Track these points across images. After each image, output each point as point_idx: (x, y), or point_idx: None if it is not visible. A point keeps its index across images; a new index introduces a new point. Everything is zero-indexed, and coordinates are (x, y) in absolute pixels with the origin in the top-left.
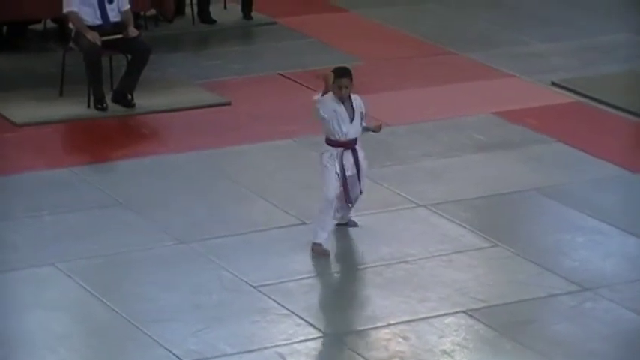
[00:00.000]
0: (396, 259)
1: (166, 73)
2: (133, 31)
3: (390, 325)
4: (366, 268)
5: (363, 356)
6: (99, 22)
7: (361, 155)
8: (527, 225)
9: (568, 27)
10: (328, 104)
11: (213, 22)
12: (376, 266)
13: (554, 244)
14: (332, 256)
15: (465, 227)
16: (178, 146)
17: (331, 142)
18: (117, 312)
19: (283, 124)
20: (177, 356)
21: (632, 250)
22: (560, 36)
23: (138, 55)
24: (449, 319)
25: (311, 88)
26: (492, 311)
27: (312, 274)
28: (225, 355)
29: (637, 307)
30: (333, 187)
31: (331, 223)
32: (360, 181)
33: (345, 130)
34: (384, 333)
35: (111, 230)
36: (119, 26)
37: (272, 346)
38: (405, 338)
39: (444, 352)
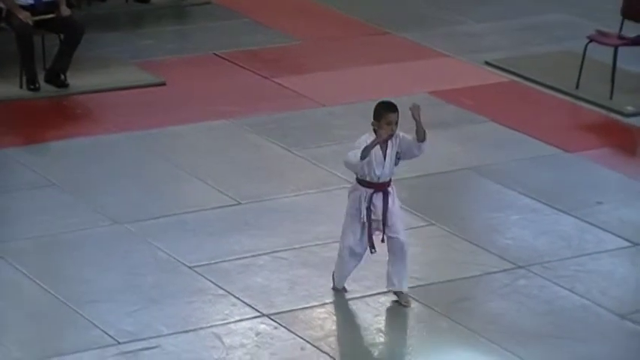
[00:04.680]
0: (331, 238)
1: (100, 52)
2: (65, 10)
3: (325, 304)
4: (302, 247)
5: (299, 335)
6: (31, 1)
7: (392, 198)
8: (462, 204)
9: (503, 6)
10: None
11: (147, 1)
12: (312, 245)
13: (489, 223)
14: (267, 236)
15: (400, 206)
16: (112, 127)
17: (362, 183)
18: (51, 294)
19: (218, 104)
20: (112, 337)
21: (565, 228)
22: (495, 16)
23: (71, 35)
24: (384, 298)
25: (246, 68)
26: (428, 290)
27: (248, 255)
28: (160, 335)
29: (570, 284)
30: (352, 235)
31: (348, 270)
32: (385, 225)
33: (378, 172)
34: (319, 312)
35: (45, 212)
36: (51, 5)
37: (208, 327)
38: (340, 317)
39: (380, 330)
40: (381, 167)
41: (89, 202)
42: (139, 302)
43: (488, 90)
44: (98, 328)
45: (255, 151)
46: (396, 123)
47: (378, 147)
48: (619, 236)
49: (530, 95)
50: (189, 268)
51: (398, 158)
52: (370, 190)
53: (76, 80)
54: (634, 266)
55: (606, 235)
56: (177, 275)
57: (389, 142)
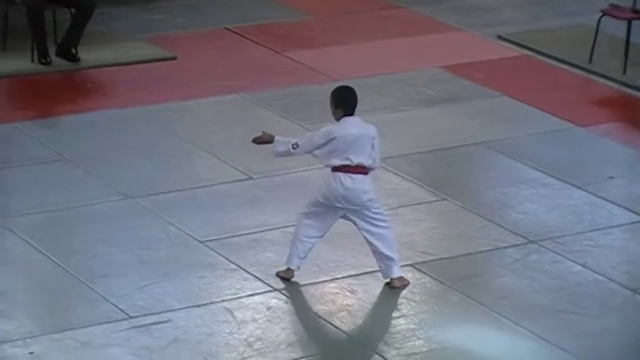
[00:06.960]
0: None
1: (111, 27)
2: None
3: (336, 279)
4: None
5: (310, 310)
6: None
7: None
8: (474, 178)
9: None
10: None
11: None
12: None
13: (500, 198)
14: (278, 211)
15: (412, 181)
16: (123, 101)
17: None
18: (63, 268)
19: (229, 78)
20: (123, 311)
21: (577, 203)
22: None
23: (82, 9)
24: None
25: (257, 43)
26: (439, 264)
27: (259, 229)
28: (172, 310)
29: (582, 259)
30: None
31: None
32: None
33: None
34: (330, 287)
35: (56, 186)
36: None
37: (220, 301)
38: (352, 292)
39: (391, 305)
40: None
41: (100, 176)
42: (151, 277)
43: (500, 64)
44: (109, 302)
45: (267, 126)
46: None
47: None
48: (631, 211)
49: (542, 69)
50: (201, 242)
51: None
52: None
53: (87, 54)
54: None
55: (618, 209)
56: (189, 250)
57: None
